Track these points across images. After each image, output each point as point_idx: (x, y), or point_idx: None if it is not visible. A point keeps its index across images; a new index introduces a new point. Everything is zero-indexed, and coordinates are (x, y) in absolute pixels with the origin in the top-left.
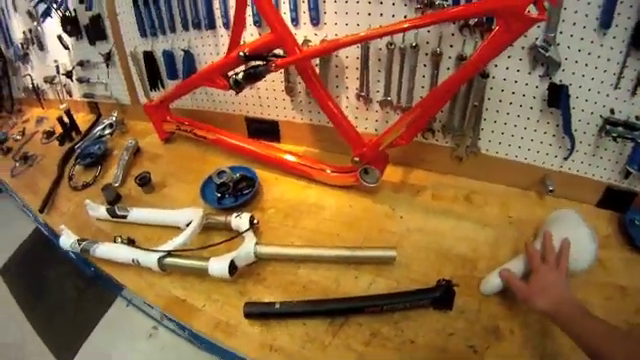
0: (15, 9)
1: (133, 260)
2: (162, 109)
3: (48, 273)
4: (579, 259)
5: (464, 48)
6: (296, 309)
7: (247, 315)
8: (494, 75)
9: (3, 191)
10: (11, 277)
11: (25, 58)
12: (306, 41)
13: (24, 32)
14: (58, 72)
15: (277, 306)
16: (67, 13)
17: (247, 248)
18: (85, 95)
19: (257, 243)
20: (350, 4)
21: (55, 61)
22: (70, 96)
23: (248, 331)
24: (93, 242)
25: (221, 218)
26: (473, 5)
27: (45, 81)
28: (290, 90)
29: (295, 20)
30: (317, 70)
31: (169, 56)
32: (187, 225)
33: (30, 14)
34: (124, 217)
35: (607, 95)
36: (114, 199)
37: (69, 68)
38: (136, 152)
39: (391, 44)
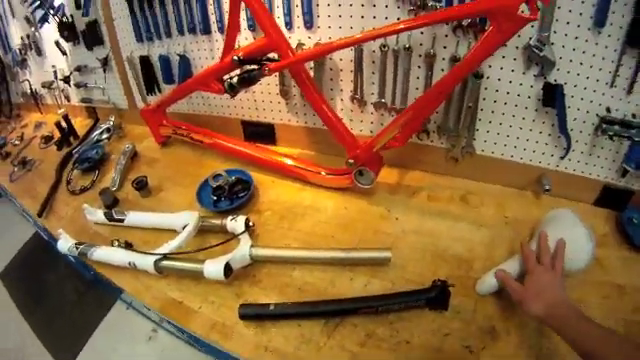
0: (13, 15)
1: (130, 263)
2: (158, 113)
3: (48, 277)
4: (575, 259)
5: (457, 49)
6: (291, 310)
7: (242, 317)
8: (488, 75)
9: (2, 196)
10: (11, 281)
11: (23, 63)
12: (300, 45)
13: (22, 38)
14: (56, 77)
15: (272, 307)
16: (64, 19)
17: (242, 250)
18: (83, 100)
19: (252, 245)
20: (343, 7)
21: (53, 66)
22: (68, 101)
23: (243, 332)
24: (90, 246)
25: (217, 221)
26: (465, 6)
27: (43, 86)
28: (285, 93)
29: (289, 24)
30: (312, 73)
31: (165, 61)
32: (183, 228)
33: (28, 20)
34: (121, 221)
35: (603, 94)
36: (112, 203)
37: (67, 73)
38: (133, 156)
39: (384, 46)
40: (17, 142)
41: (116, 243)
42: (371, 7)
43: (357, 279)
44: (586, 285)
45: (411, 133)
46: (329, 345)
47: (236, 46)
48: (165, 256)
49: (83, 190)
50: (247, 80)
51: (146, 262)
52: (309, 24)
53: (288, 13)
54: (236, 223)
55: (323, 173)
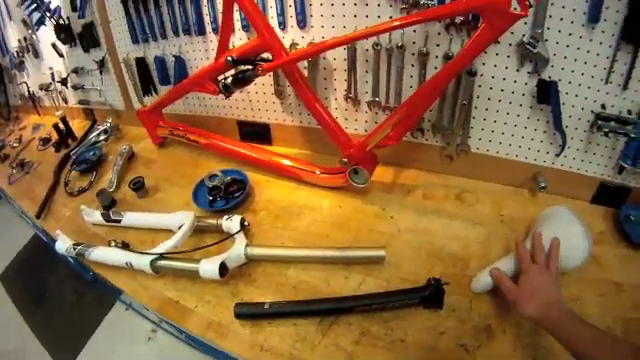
0: (10, 17)
1: (127, 263)
2: (155, 114)
3: (47, 278)
4: (571, 256)
5: (451, 47)
6: (286, 309)
7: (237, 316)
8: (482, 73)
9: (1, 198)
10: (11, 282)
11: (21, 66)
12: (294, 44)
13: (19, 40)
14: (53, 79)
15: (267, 306)
16: (61, 21)
17: (238, 250)
18: (80, 102)
19: (248, 245)
20: (336, 7)
21: (50, 68)
22: (66, 103)
23: (239, 331)
24: (88, 246)
25: (213, 221)
26: (457, 3)
27: (41, 88)
28: (280, 93)
29: (282, 24)
30: (306, 73)
31: (161, 62)
32: (179, 228)
33: (25, 22)
34: (118, 221)
35: (598, 90)
36: (109, 204)
37: (64, 75)
38: (131, 157)
39: (377, 45)
40: (15, 144)
41: (113, 243)
42: (364, 6)
43: (352, 278)
44: (583, 283)
45: (405, 131)
46: (324, 343)
47: (230, 47)
48: (161, 256)
49: (81, 191)
50: (241, 80)
51: (143, 262)
52: (302, 24)
53: (281, 13)
54: (232, 223)
55: (317, 172)
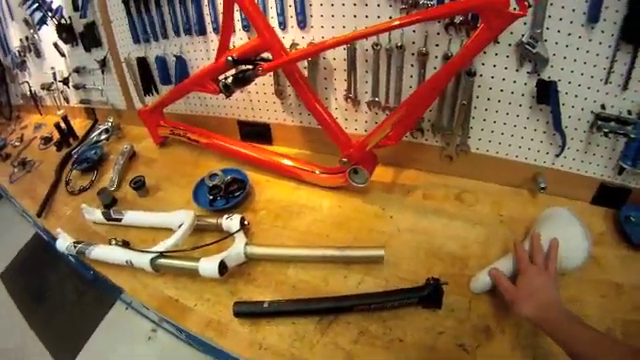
0: (12, 17)
1: (127, 261)
2: (156, 114)
3: (48, 277)
4: (571, 257)
5: (450, 47)
6: (285, 308)
7: (236, 314)
8: (482, 73)
9: (3, 197)
10: (11, 281)
11: (22, 65)
12: (294, 44)
13: (21, 40)
14: (55, 79)
15: (266, 305)
16: (62, 21)
17: (237, 249)
18: (82, 101)
19: (247, 244)
20: (336, 7)
21: (52, 68)
22: (67, 102)
23: (238, 330)
24: (88, 244)
25: (213, 220)
26: (456, 3)
27: (42, 88)
28: (280, 93)
29: (282, 24)
30: (306, 73)
31: (162, 62)
32: (179, 227)
33: (26, 22)
34: (119, 220)
35: (597, 90)
36: (110, 203)
37: (65, 75)
38: (132, 156)
39: (377, 45)
40: (17, 143)
41: (113, 242)
42: (363, 6)
43: (351, 277)
44: (583, 284)
45: (405, 131)
46: (323, 342)
47: (231, 46)
48: (161, 254)
49: (82, 190)
50: (241, 80)
51: (143, 260)
52: (302, 24)
53: (281, 13)
54: (231, 222)
55: (317, 172)
